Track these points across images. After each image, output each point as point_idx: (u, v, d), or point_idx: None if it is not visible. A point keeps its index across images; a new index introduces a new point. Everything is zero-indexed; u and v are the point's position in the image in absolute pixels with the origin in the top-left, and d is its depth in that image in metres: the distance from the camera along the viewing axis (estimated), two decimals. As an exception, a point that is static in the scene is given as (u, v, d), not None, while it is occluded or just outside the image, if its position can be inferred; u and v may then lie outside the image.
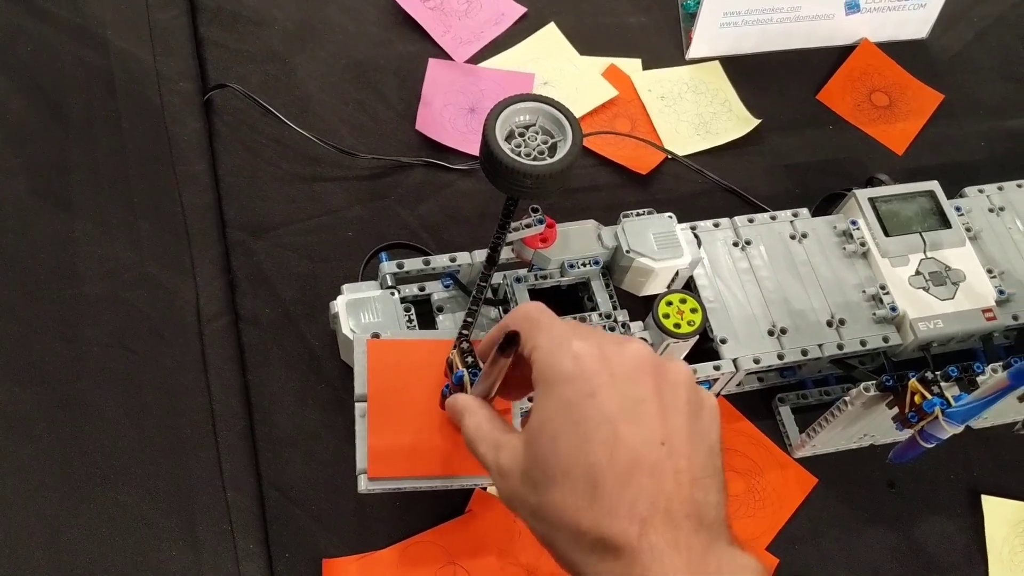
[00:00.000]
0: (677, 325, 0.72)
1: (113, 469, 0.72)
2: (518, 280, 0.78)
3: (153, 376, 0.76)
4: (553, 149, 0.67)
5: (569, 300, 0.80)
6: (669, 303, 0.72)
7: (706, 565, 0.43)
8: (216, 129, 0.89)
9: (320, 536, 0.72)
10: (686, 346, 0.74)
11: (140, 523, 0.70)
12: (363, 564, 0.71)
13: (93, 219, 0.82)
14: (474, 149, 0.91)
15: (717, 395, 0.82)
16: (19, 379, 0.74)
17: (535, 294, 0.78)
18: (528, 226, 0.75)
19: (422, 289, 0.78)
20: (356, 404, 0.65)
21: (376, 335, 0.69)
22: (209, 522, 0.71)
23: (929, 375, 0.67)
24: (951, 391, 0.67)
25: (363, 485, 0.64)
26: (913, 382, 0.67)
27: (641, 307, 0.77)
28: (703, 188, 0.93)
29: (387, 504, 0.74)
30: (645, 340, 0.74)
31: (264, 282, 0.82)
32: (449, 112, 0.93)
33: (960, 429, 0.65)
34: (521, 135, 0.68)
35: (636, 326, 0.75)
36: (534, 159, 0.65)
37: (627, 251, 0.77)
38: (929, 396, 0.66)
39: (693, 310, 0.72)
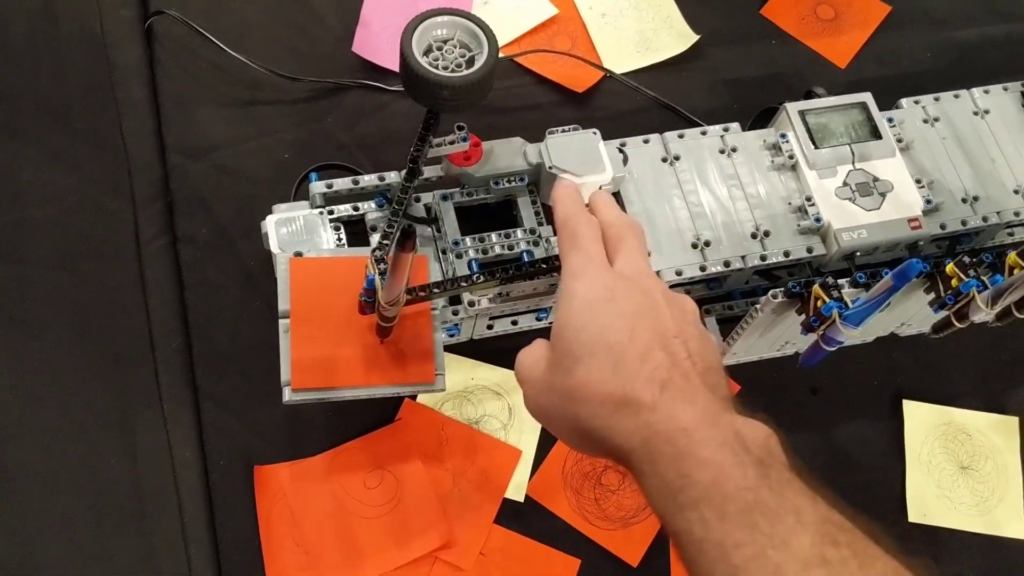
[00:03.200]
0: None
1: (57, 384, 0.75)
2: (444, 198, 0.80)
3: (95, 296, 0.79)
4: (471, 62, 0.69)
5: (499, 217, 0.82)
6: (585, 216, 0.74)
7: (720, 419, 0.48)
8: (156, 56, 0.90)
9: (254, 444, 0.75)
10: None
11: (81, 433, 0.74)
12: (295, 470, 0.74)
13: (35, 145, 0.84)
14: (411, 70, 0.92)
15: (645, 307, 0.84)
16: (-34, 301, 0.77)
17: (462, 211, 0.79)
18: (452, 143, 0.77)
19: (356, 209, 0.80)
20: (280, 320, 0.68)
21: (299, 253, 0.72)
22: (147, 432, 0.74)
23: (831, 280, 0.69)
24: (856, 296, 0.69)
25: (287, 396, 0.66)
26: (816, 287, 0.69)
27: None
28: (641, 106, 0.94)
29: (319, 414, 0.77)
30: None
31: (202, 204, 0.84)
32: (388, 34, 0.94)
33: (856, 331, 0.66)
34: (439, 48, 0.70)
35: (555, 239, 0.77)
36: (451, 71, 0.67)
37: (549, 167, 0.78)
38: (828, 300, 0.67)
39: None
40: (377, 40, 0.93)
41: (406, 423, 0.77)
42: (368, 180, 0.79)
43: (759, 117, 0.91)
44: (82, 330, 0.78)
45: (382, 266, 0.63)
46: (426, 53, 0.69)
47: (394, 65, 0.92)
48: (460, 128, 0.77)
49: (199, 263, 0.82)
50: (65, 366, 0.76)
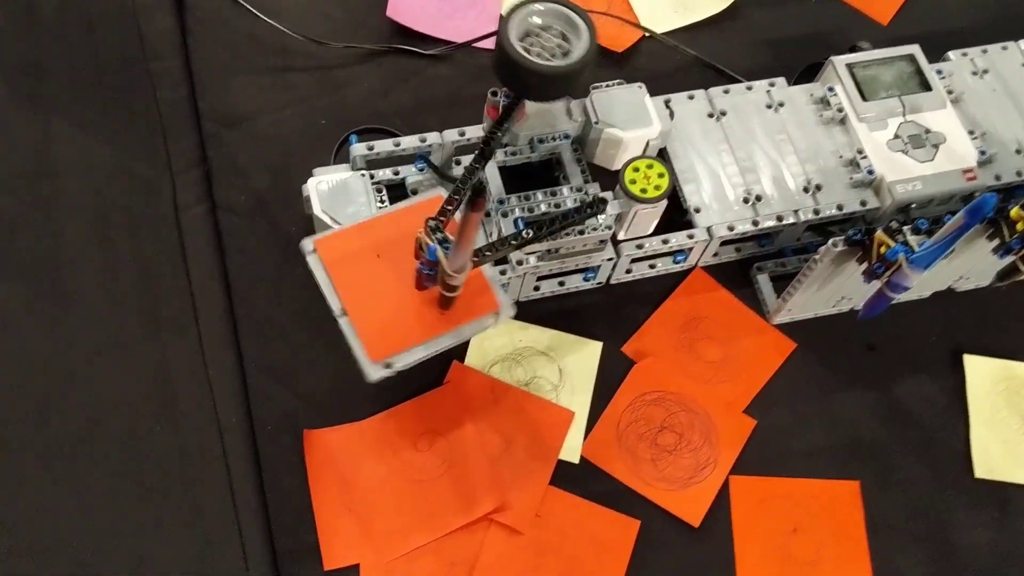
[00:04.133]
0: (644, 191, 0.71)
1: (99, 355, 0.74)
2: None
3: (134, 265, 0.77)
4: (567, 53, 0.66)
5: (542, 177, 0.80)
6: (636, 169, 0.72)
7: None
8: (188, 26, 0.89)
9: (301, 410, 0.74)
10: (655, 212, 0.74)
11: (122, 404, 0.72)
12: (344, 434, 0.73)
13: (69, 119, 0.83)
14: (447, 34, 0.90)
15: (694, 266, 0.82)
16: (2, 275, 0.76)
17: (506, 171, 0.78)
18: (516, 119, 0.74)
19: (396, 173, 0.78)
20: (340, 320, 0.64)
21: (335, 221, 0.71)
22: (191, 400, 0.72)
23: (894, 225, 0.67)
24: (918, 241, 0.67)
25: (372, 373, 0.62)
26: (879, 233, 0.66)
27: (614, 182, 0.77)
28: (681, 65, 0.92)
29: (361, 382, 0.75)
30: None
31: (239, 171, 0.82)
32: (422, -3, 0.92)
33: (924, 274, 0.64)
34: (537, 35, 0.67)
35: (608, 195, 0.75)
36: (544, 59, 0.65)
37: (596, 123, 0.76)
38: (893, 244, 0.65)
39: (660, 175, 0.72)
40: (411, 4, 0.91)
41: (455, 386, 0.75)
42: (409, 142, 0.78)
43: (804, 73, 0.89)
44: (122, 300, 0.76)
45: (439, 235, 0.61)
46: (522, 38, 0.66)
47: (430, 29, 0.90)
48: (494, 93, 0.74)
49: (238, 230, 0.80)
50: (106, 338, 0.74)
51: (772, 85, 0.84)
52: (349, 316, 0.64)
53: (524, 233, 0.67)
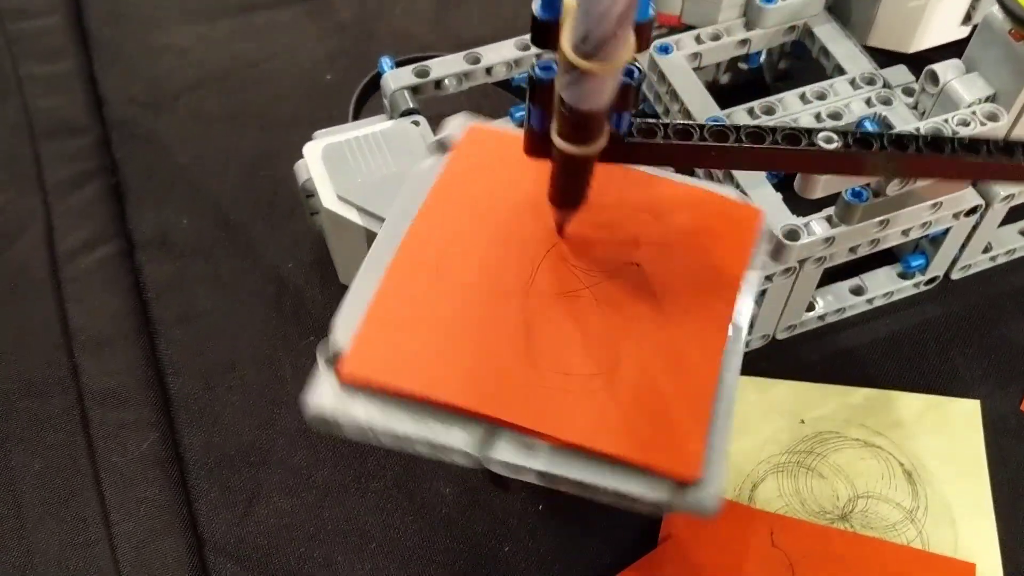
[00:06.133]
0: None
1: None
2: (664, 50, 0.38)
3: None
4: None
5: (759, 94, 0.39)
6: (1033, -27, 0.31)
7: None
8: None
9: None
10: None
11: None
12: None
13: None
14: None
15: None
16: None
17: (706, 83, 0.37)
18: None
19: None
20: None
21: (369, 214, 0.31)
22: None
23: None
24: None
25: (320, 397, 0.24)
26: None
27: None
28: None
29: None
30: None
31: (179, 178, 0.43)
32: None
33: None
34: None
35: (949, 69, 0.34)
36: None
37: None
38: None
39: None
40: None
41: (682, 544, 0.33)
42: (494, 55, 0.38)
43: None
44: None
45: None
46: None
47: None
48: None
49: (178, 284, 0.39)
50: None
51: None
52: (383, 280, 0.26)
53: (820, 139, 0.27)
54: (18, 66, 0.47)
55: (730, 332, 0.25)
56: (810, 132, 0.27)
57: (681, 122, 0.26)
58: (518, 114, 0.40)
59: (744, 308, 0.26)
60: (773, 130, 0.27)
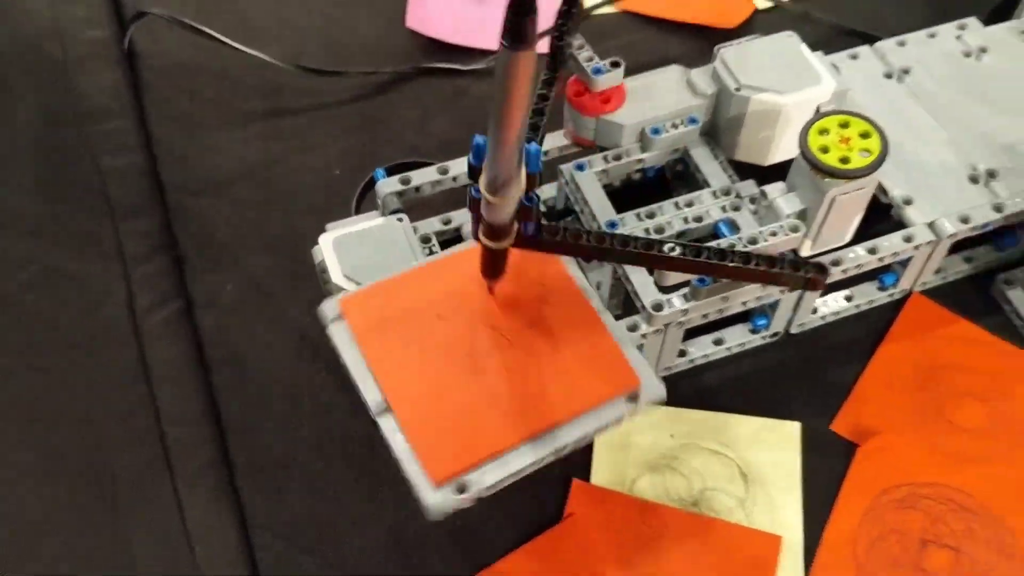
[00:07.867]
0: (845, 159, 0.45)
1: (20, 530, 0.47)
2: (580, 168, 0.52)
3: (72, 399, 0.51)
4: None
5: (657, 190, 0.54)
6: (823, 131, 0.45)
7: None
8: (142, 76, 0.66)
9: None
10: (862, 197, 0.47)
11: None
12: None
13: (-18, 213, 0.59)
14: (486, 43, 0.67)
15: (909, 291, 0.55)
16: None
17: (610, 190, 0.52)
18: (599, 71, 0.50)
19: (447, 223, 0.52)
20: (378, 420, 0.39)
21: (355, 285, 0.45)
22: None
23: None
24: None
25: (436, 504, 0.37)
26: None
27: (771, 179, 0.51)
28: (816, 38, 0.67)
29: (433, 529, 0.47)
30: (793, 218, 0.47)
31: (224, 252, 0.57)
32: None
33: None
34: None
35: (775, 190, 0.48)
36: None
37: (737, 89, 0.50)
38: None
39: (864, 134, 0.45)
40: (437, 9, 0.68)
41: (580, 520, 0.47)
42: (458, 166, 0.52)
43: (994, 13, 0.63)
44: (55, 456, 0.49)
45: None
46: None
47: (463, 39, 0.67)
48: (615, 64, 0.50)
49: (226, 332, 0.54)
50: (30, 520, 0.48)
51: (963, 28, 0.59)
52: (395, 412, 0.38)
53: (665, 248, 0.41)
54: (98, 160, 0.61)
55: (594, 304, 0.41)
56: (660, 243, 0.42)
57: (576, 228, 0.41)
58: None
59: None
60: (636, 239, 0.42)
